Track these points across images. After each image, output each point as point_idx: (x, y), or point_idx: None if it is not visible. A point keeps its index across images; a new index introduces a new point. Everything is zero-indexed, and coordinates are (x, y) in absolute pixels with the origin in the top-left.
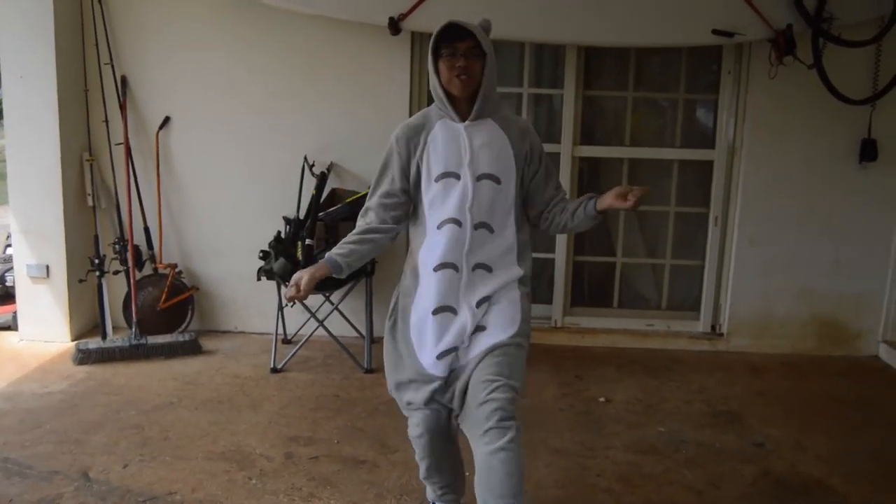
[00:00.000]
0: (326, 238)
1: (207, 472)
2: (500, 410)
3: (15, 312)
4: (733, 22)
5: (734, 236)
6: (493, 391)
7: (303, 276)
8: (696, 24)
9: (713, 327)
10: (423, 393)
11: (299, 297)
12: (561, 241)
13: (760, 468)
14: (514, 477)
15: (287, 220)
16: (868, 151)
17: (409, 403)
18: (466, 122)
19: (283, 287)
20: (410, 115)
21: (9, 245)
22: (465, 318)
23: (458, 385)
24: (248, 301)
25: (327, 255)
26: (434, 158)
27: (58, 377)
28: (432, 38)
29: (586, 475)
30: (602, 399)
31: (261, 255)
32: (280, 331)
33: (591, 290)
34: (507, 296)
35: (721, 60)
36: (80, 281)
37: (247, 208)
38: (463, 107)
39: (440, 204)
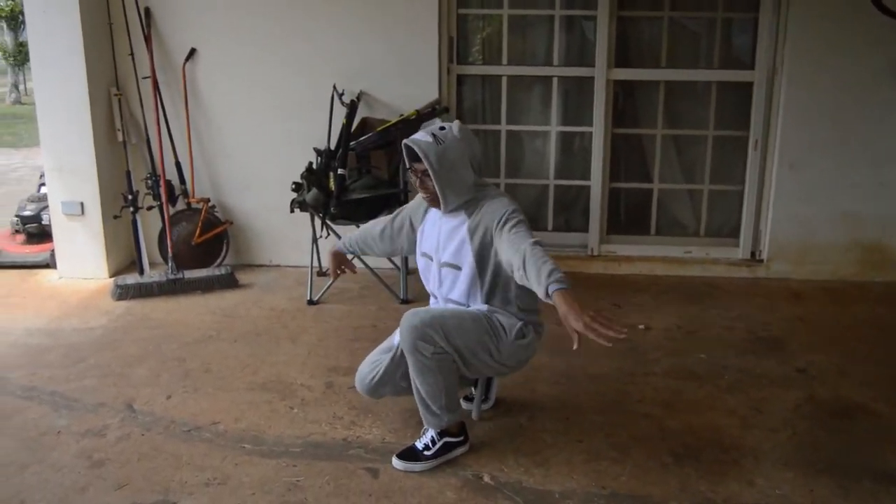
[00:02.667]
0: (358, 167)
1: (249, 403)
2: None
3: (52, 250)
4: None
5: (774, 160)
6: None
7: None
8: None
9: (753, 253)
10: None
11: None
12: (596, 167)
13: (803, 393)
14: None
15: (318, 152)
16: None
17: None
18: (441, 213)
19: (316, 218)
20: (440, 40)
21: (43, 184)
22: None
23: None
24: (283, 234)
25: (338, 244)
26: (422, 236)
27: (98, 313)
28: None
29: (626, 400)
30: (641, 326)
31: (293, 186)
32: (315, 263)
33: (627, 217)
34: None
35: None
36: (115, 217)
37: (277, 140)
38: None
39: (423, 277)
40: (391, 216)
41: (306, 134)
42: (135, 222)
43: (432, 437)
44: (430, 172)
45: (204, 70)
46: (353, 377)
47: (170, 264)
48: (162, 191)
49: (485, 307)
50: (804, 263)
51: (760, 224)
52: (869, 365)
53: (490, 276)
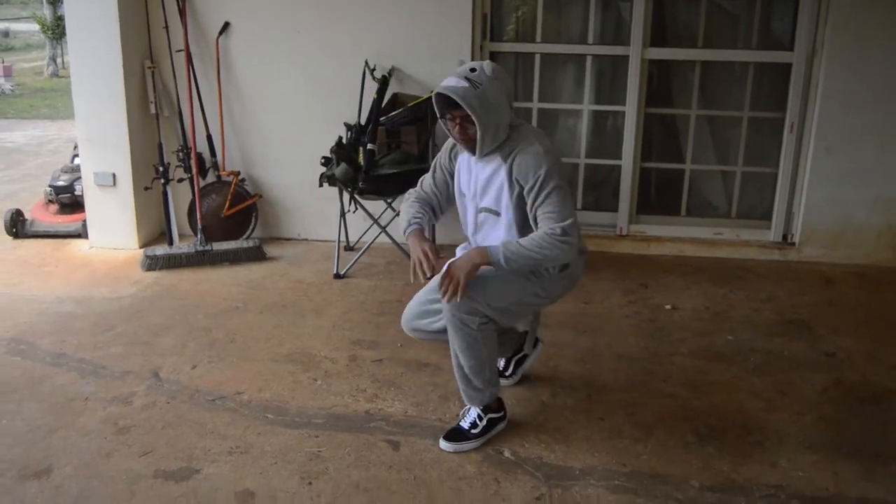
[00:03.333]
0: (388, 143)
1: (273, 373)
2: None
3: (84, 220)
4: None
5: (811, 144)
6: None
7: (423, 251)
8: None
9: (785, 237)
10: None
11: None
12: (628, 146)
13: (831, 377)
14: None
15: (348, 126)
16: None
17: None
18: (475, 158)
19: (344, 193)
20: (473, 17)
21: (76, 155)
22: None
23: None
24: (311, 208)
25: (414, 224)
26: (459, 178)
27: (127, 283)
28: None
29: (652, 380)
30: (668, 307)
31: (322, 161)
32: (342, 238)
33: (658, 197)
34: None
35: None
36: (146, 189)
37: (308, 115)
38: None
39: (462, 217)
40: (429, 176)
41: (337, 110)
42: (165, 194)
43: (478, 414)
44: (474, 118)
45: (237, 44)
46: (376, 351)
47: (199, 236)
48: (193, 163)
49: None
50: (837, 248)
51: (793, 207)
52: None
53: (527, 221)
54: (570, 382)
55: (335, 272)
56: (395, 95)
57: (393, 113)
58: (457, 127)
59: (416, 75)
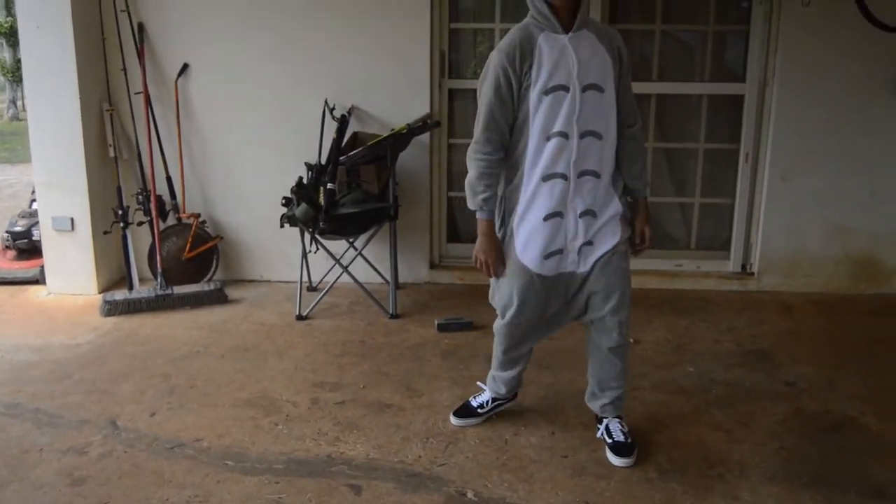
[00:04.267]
0: (348, 182)
1: (234, 419)
2: (620, 325)
3: (42, 266)
4: None
5: (765, 173)
6: (613, 306)
7: (488, 257)
8: None
9: (744, 266)
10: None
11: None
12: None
13: (791, 407)
14: (625, 367)
15: (309, 166)
16: None
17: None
18: (570, 34)
19: (306, 233)
20: (431, 54)
21: (34, 200)
22: (571, 223)
23: (580, 297)
24: (273, 249)
25: (483, 212)
26: (543, 72)
27: (85, 329)
28: None
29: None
30: (631, 340)
31: (283, 201)
32: (305, 278)
33: None
34: (610, 210)
35: None
36: (105, 233)
37: (269, 155)
38: (564, 18)
39: (549, 117)
40: (492, 114)
41: (298, 149)
42: (125, 238)
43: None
44: None
45: (196, 85)
46: (339, 393)
47: (159, 280)
48: (152, 206)
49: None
50: (795, 276)
51: (751, 237)
52: (858, 378)
53: (620, 96)
54: (534, 420)
55: (297, 313)
56: (354, 134)
57: (352, 152)
58: None
59: (376, 113)
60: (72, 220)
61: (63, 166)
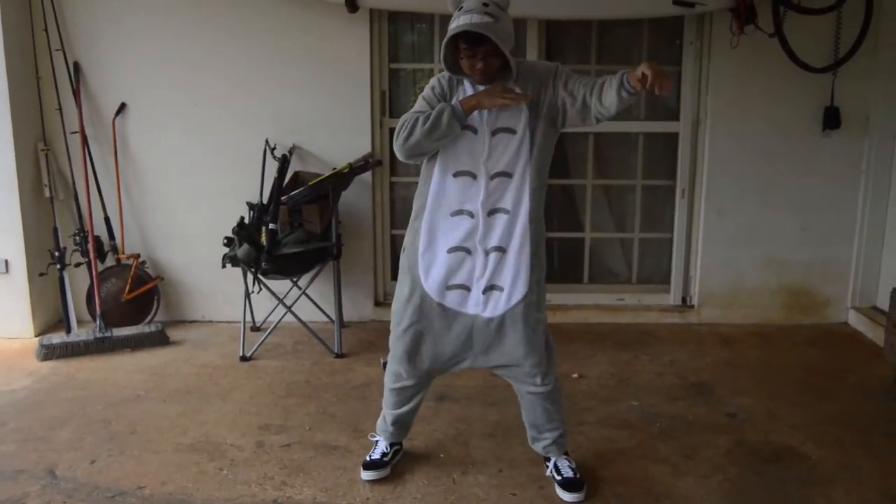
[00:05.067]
0: (290, 221)
1: (177, 465)
2: (541, 374)
3: None
4: None
5: (701, 208)
6: (530, 361)
7: (495, 92)
8: None
9: (684, 299)
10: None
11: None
12: None
13: (733, 438)
14: (558, 408)
15: (250, 206)
16: (831, 119)
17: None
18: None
19: (248, 273)
20: (371, 94)
21: None
22: (479, 260)
23: (490, 348)
24: (215, 289)
25: (447, 105)
26: None
27: (21, 374)
28: (448, 33)
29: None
30: (575, 375)
31: (225, 241)
32: (248, 318)
33: (560, 266)
34: (523, 251)
35: (683, 31)
36: (41, 275)
37: (209, 194)
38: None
39: (457, 153)
40: (420, 107)
41: (239, 188)
42: (62, 279)
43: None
44: (503, 49)
45: (134, 124)
46: (284, 435)
47: (98, 322)
48: (90, 247)
49: (533, 212)
50: (734, 308)
51: (690, 270)
52: (797, 407)
53: (539, 139)
54: (481, 458)
55: (241, 354)
56: (296, 174)
57: (294, 192)
58: (480, 63)
59: (317, 152)
60: (6, 262)
61: None
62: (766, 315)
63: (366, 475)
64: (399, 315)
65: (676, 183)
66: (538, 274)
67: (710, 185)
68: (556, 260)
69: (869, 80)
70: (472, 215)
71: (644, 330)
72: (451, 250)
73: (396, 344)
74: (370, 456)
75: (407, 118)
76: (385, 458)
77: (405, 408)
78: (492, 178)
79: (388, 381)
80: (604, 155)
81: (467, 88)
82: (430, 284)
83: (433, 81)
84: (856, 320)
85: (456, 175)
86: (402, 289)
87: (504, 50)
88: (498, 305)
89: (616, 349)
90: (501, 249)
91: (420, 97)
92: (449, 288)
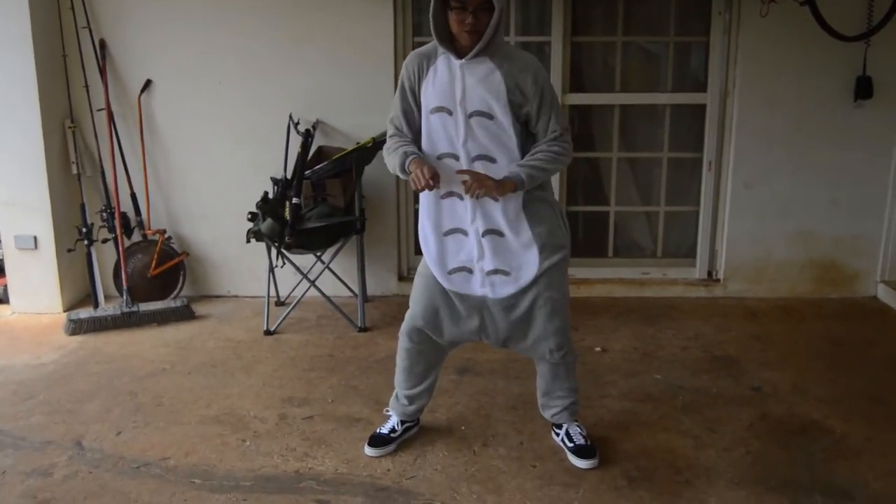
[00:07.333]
0: (314, 196)
1: (201, 436)
2: (556, 346)
3: (6, 285)
4: None
5: (728, 181)
6: (540, 333)
7: (422, 168)
8: None
9: (709, 273)
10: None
11: (434, 184)
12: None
13: (758, 412)
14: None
15: (274, 181)
16: (863, 89)
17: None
18: (463, 61)
19: (272, 248)
20: (395, 69)
21: None
22: (473, 241)
23: (497, 325)
24: (240, 264)
25: (410, 157)
26: (431, 91)
27: (50, 348)
28: None
29: (583, 424)
30: (598, 349)
31: (249, 216)
32: (273, 293)
33: (585, 240)
34: (522, 233)
35: (711, 1)
36: (69, 251)
37: (234, 170)
38: (462, 46)
39: (435, 137)
40: (396, 105)
41: (263, 163)
42: (89, 255)
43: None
44: (496, 5)
45: (159, 101)
46: (307, 408)
47: (125, 297)
48: (117, 223)
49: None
50: (760, 282)
51: (716, 244)
52: (823, 382)
53: (522, 127)
54: (503, 430)
55: (265, 328)
56: (320, 148)
57: (318, 166)
58: (470, 17)
59: (341, 127)
60: (35, 238)
61: (25, 185)
62: (794, 288)
63: (369, 451)
64: (415, 289)
65: (703, 155)
66: (551, 254)
67: (737, 157)
68: (581, 233)
69: None
70: (461, 197)
71: (669, 304)
72: (447, 233)
73: (415, 306)
74: (378, 430)
75: (388, 130)
76: (393, 435)
77: (418, 388)
78: (473, 160)
79: (400, 341)
80: (630, 127)
81: (439, 68)
82: (436, 268)
83: (407, 61)
84: (885, 294)
85: (440, 157)
86: (422, 265)
87: (497, 6)
88: (505, 287)
89: (640, 323)
90: (496, 232)
91: (397, 91)
92: (451, 271)
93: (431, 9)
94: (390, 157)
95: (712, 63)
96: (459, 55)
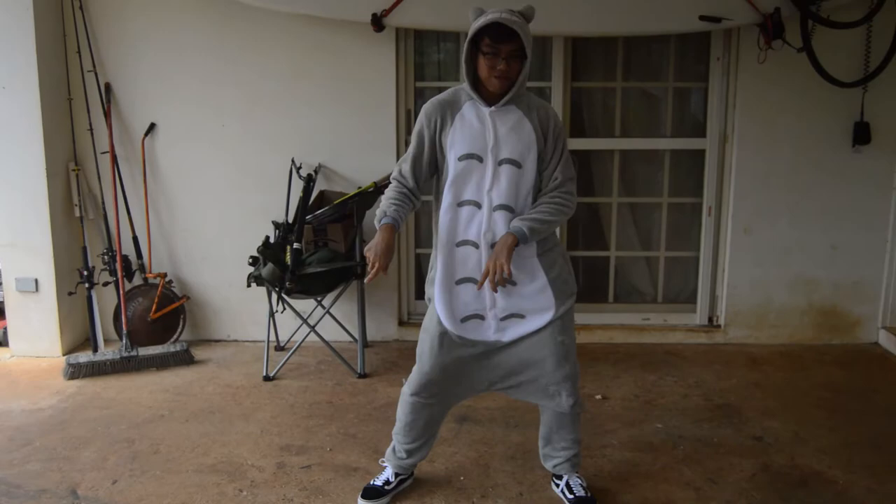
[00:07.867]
0: (315, 240)
1: (197, 486)
2: (567, 390)
3: (5, 328)
4: (721, 7)
5: (728, 226)
6: (553, 373)
7: (376, 251)
8: (684, 10)
9: (710, 319)
10: (440, 349)
11: (382, 270)
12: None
13: (759, 462)
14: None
15: (276, 225)
16: (861, 134)
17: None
18: (493, 108)
19: (273, 293)
20: (397, 113)
21: None
22: (485, 290)
23: (507, 367)
24: (240, 308)
25: (384, 218)
26: (459, 138)
27: (48, 393)
28: (474, 28)
29: (583, 475)
30: (598, 396)
31: (250, 261)
32: (273, 337)
33: (585, 285)
34: (536, 281)
35: (710, 47)
36: (70, 294)
37: (236, 214)
38: (491, 93)
39: (460, 183)
40: (410, 153)
41: (265, 208)
42: (90, 298)
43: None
44: (527, 52)
45: (163, 144)
46: (305, 456)
47: (124, 341)
48: (118, 266)
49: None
50: (761, 328)
51: (717, 289)
52: (824, 431)
53: (539, 176)
54: (502, 480)
55: (265, 374)
56: (321, 193)
57: (319, 211)
58: (502, 64)
59: (343, 172)
60: (36, 280)
61: (27, 227)
62: (795, 335)
63: None
64: (422, 345)
65: (703, 200)
66: (565, 299)
67: (737, 202)
68: (582, 278)
69: None
70: (476, 246)
71: (670, 350)
72: (459, 281)
73: (423, 364)
74: (373, 482)
75: (393, 172)
76: (387, 487)
77: (417, 443)
78: (494, 209)
79: (406, 396)
80: (630, 172)
81: (466, 115)
82: (446, 318)
83: (427, 109)
84: (886, 340)
85: (460, 204)
86: (427, 319)
87: (528, 53)
88: (519, 328)
89: (641, 370)
90: (509, 282)
91: (414, 132)
92: (464, 319)
93: (464, 54)
94: (385, 199)
95: (711, 108)
96: (486, 102)
